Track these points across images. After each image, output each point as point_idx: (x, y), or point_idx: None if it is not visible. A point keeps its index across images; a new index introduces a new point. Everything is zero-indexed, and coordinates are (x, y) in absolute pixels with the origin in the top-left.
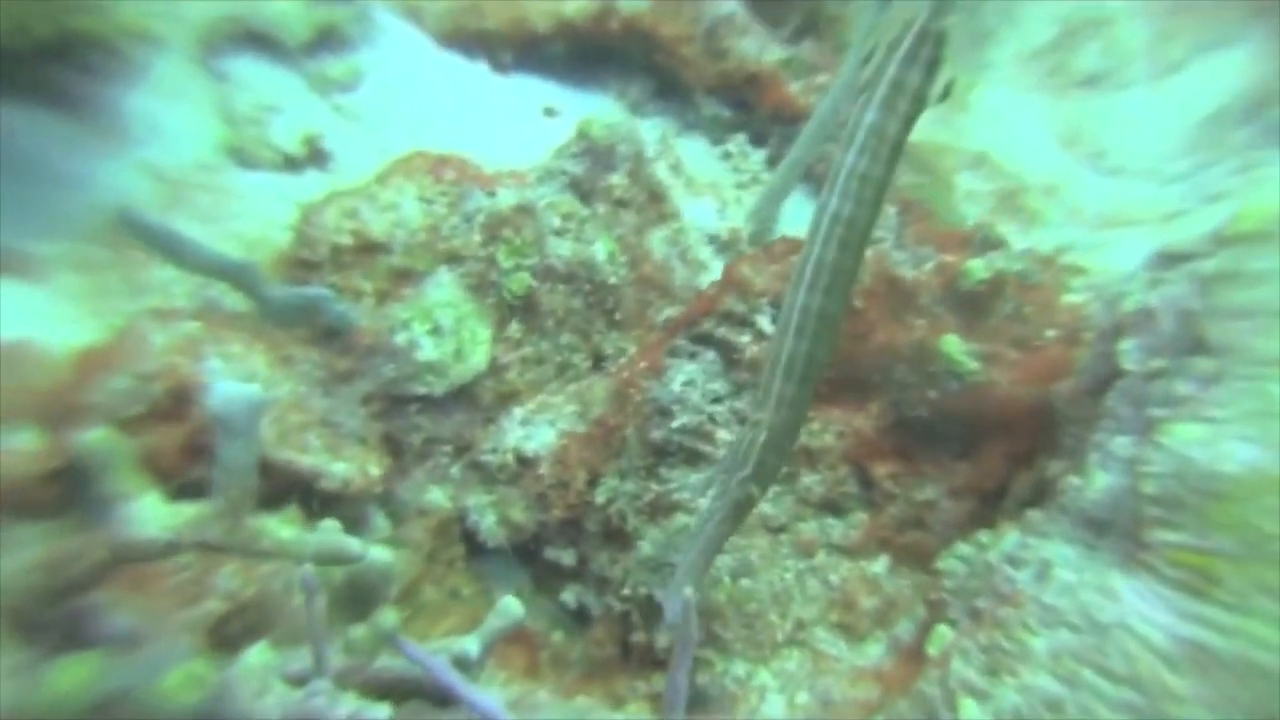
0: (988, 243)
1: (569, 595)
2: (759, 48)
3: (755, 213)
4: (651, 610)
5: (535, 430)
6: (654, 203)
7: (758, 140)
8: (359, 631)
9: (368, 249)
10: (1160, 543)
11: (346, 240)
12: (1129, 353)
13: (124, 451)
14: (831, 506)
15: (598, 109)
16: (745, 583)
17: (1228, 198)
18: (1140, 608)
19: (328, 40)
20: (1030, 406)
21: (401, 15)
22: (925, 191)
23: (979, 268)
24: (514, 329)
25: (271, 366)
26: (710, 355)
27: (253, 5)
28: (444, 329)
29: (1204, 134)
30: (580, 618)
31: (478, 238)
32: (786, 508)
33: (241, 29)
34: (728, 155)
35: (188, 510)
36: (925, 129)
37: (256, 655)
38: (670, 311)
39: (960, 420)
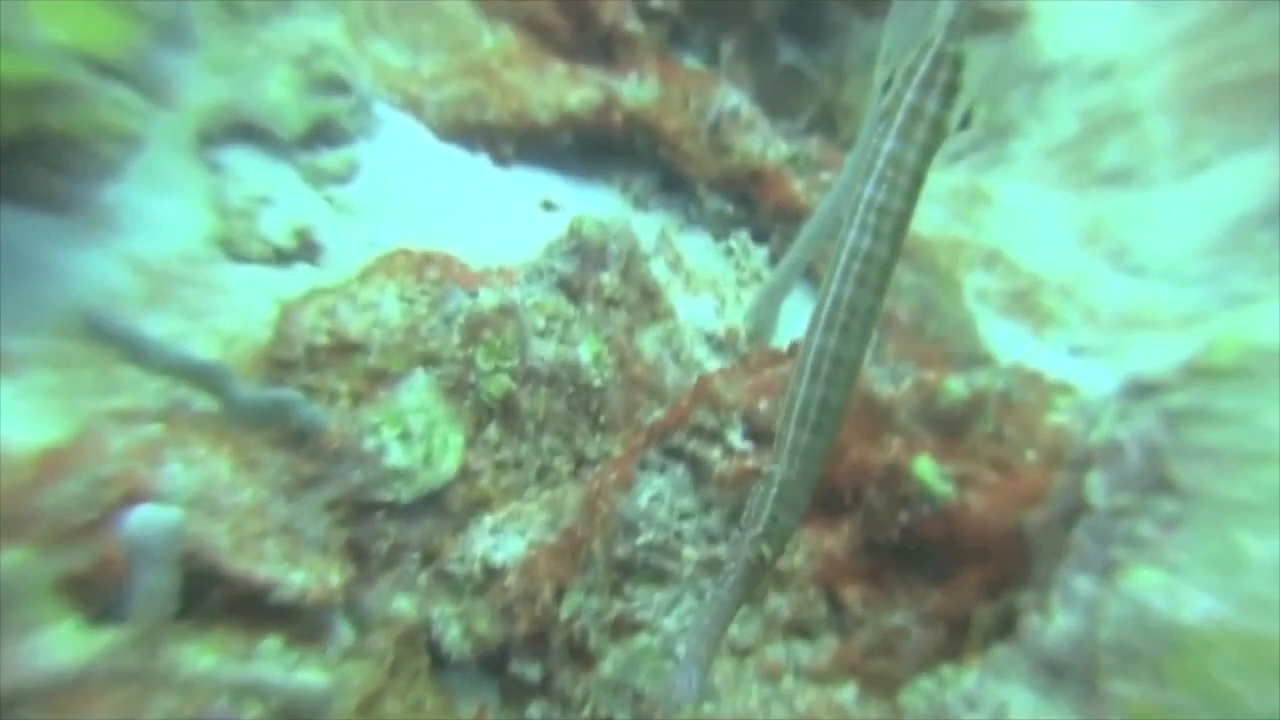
0: (970, 358)
1: (535, 711)
2: (763, 144)
3: (753, 312)
4: None
5: (504, 539)
6: (647, 301)
7: (760, 237)
8: None
9: (344, 349)
10: (1115, 695)
11: (323, 340)
12: (1096, 487)
13: (40, 575)
14: (800, 629)
15: (600, 202)
16: (709, 707)
17: (1250, 301)
18: None
19: (323, 132)
20: (1004, 533)
21: (400, 107)
22: (930, 291)
23: (957, 386)
24: (491, 432)
25: (235, 470)
26: (679, 470)
27: (248, 95)
28: (414, 434)
29: (1228, 235)
30: None
31: (456, 339)
32: (754, 630)
33: (235, 119)
34: (730, 252)
35: (102, 638)
36: (941, 222)
37: None
38: (660, 414)
39: (932, 545)
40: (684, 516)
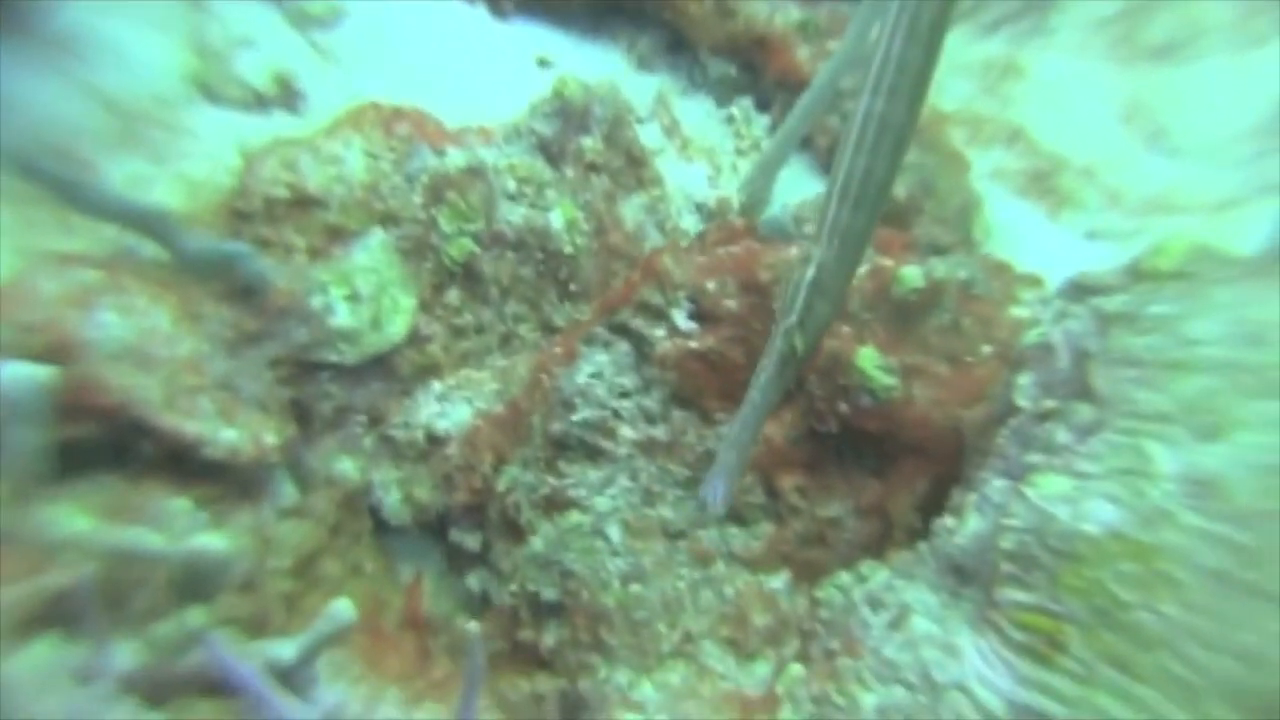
0: (933, 247)
1: (474, 580)
2: (770, 9)
3: (748, 183)
4: (539, 608)
5: (451, 407)
6: (632, 167)
7: (764, 105)
8: (164, 628)
9: (303, 203)
10: (1010, 602)
11: (282, 193)
12: (1024, 388)
13: None
14: (734, 515)
15: (602, 60)
16: (636, 588)
17: None
18: (981, 669)
19: None
20: (944, 430)
21: None
22: (932, 170)
23: (913, 275)
24: (452, 296)
25: (176, 323)
26: (623, 347)
27: None
28: (362, 295)
29: (1275, 118)
30: (486, 603)
31: (419, 199)
32: (687, 513)
33: None
34: (731, 119)
35: None
36: (967, 96)
37: (42, 649)
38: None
39: (872, 437)
40: (623, 395)
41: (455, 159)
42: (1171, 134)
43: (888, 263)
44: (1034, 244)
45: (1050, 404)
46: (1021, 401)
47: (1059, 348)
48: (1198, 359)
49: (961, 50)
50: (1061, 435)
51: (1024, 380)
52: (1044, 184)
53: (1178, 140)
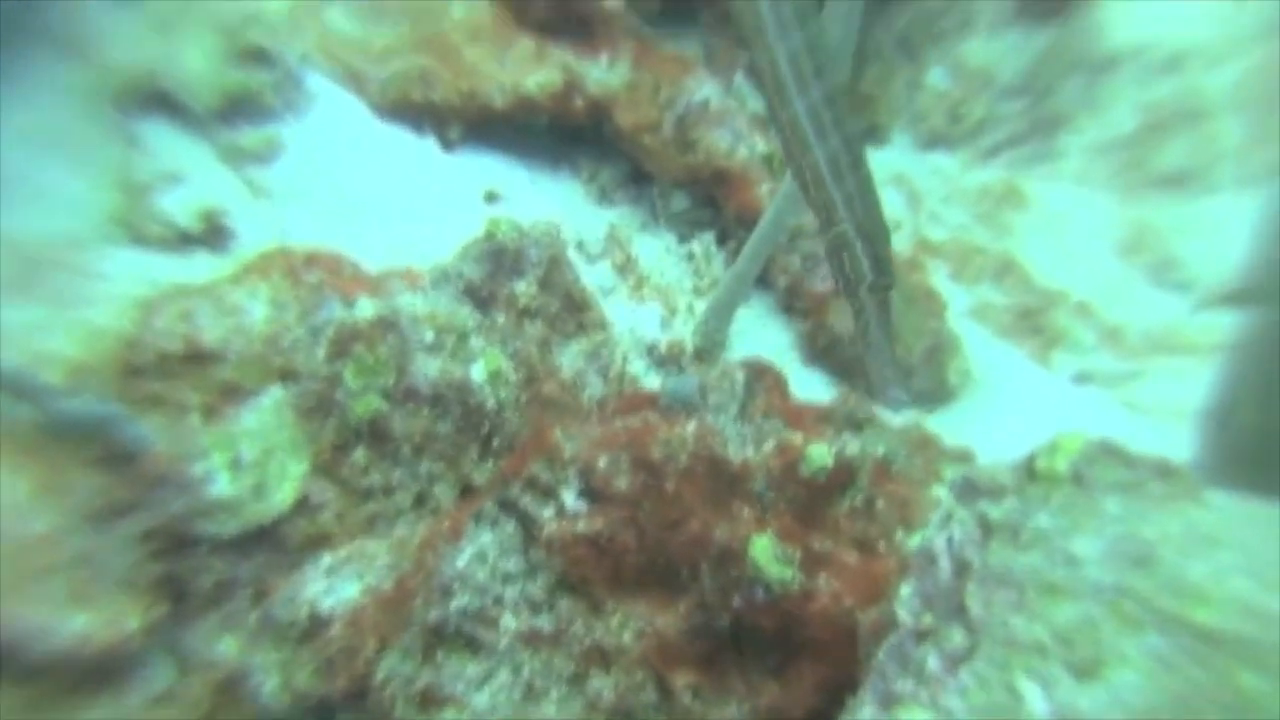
0: (850, 420)
1: None
2: (733, 140)
3: (702, 325)
4: None
5: (339, 583)
6: (571, 312)
7: (724, 241)
8: None
9: (198, 358)
10: None
11: (176, 346)
12: (905, 599)
13: None
14: (624, 715)
15: (559, 193)
16: None
17: None
18: None
19: (244, 107)
20: (843, 630)
21: (341, 82)
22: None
23: (821, 454)
24: (358, 456)
25: (35, 495)
26: (510, 526)
27: (169, 62)
28: (244, 461)
29: None
30: None
31: (322, 353)
32: (575, 712)
33: (155, 88)
34: (691, 255)
35: None
36: (959, 224)
37: None
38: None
39: (767, 635)
40: (507, 580)
41: (365, 310)
42: (1179, 267)
43: (796, 439)
44: (1016, 389)
45: (928, 620)
46: (902, 614)
47: (940, 556)
48: (1078, 582)
49: (959, 176)
50: (933, 662)
51: (906, 590)
52: (1033, 321)
53: (1185, 274)
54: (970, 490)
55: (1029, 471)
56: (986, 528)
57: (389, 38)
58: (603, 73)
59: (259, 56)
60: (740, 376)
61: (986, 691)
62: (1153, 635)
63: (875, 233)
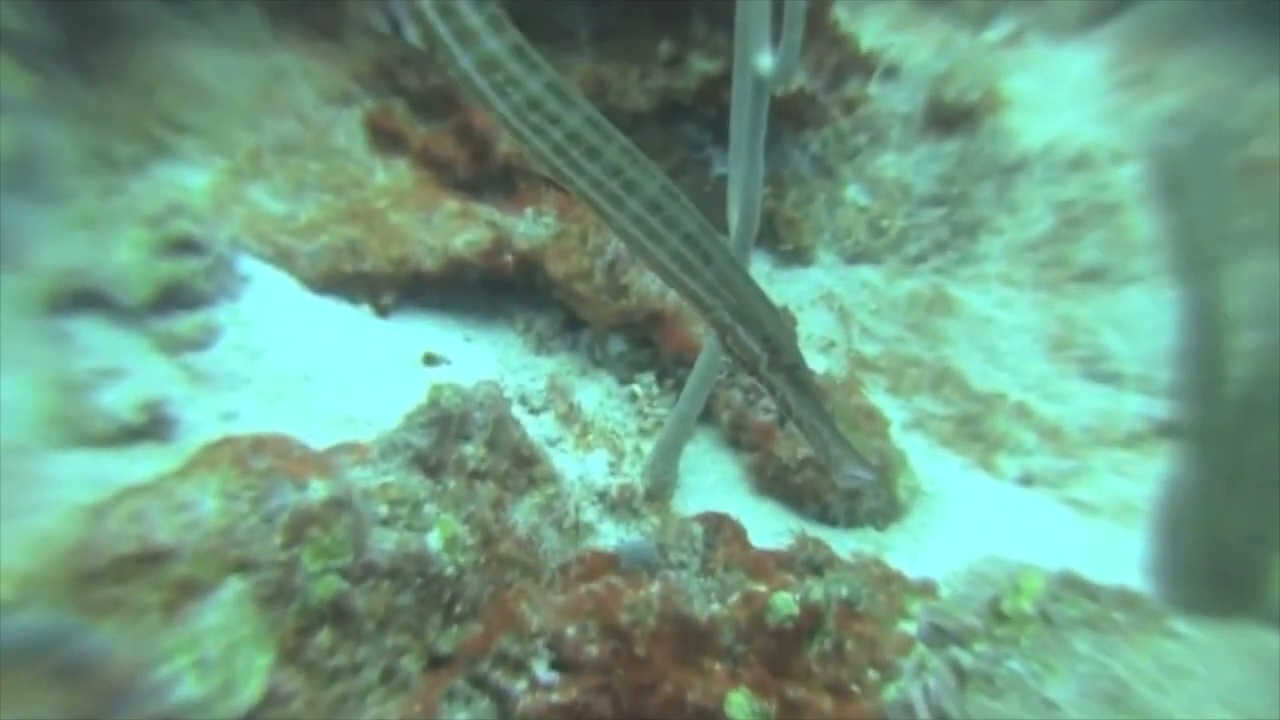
0: (811, 564)
1: None
2: (662, 284)
3: (650, 467)
4: None
5: None
6: (521, 468)
7: (664, 381)
8: None
9: (153, 558)
10: None
11: (130, 547)
12: None
13: None
14: None
15: (496, 346)
16: None
17: None
18: None
19: (177, 296)
20: None
21: (271, 260)
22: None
23: (786, 602)
24: (322, 638)
25: None
26: (485, 703)
27: (96, 259)
28: (210, 660)
29: None
30: None
31: (278, 540)
32: None
33: (84, 285)
34: (634, 397)
35: None
36: (893, 337)
37: None
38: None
39: None
40: None
41: (318, 491)
42: (1106, 359)
43: (760, 588)
44: (964, 499)
45: None
46: None
47: (917, 707)
48: None
49: (886, 288)
50: None
51: None
52: (973, 428)
53: (1113, 365)
54: (939, 635)
55: (996, 613)
56: (960, 675)
57: (314, 212)
58: (529, 226)
59: (187, 244)
60: (698, 530)
61: None
62: None
63: (754, 313)
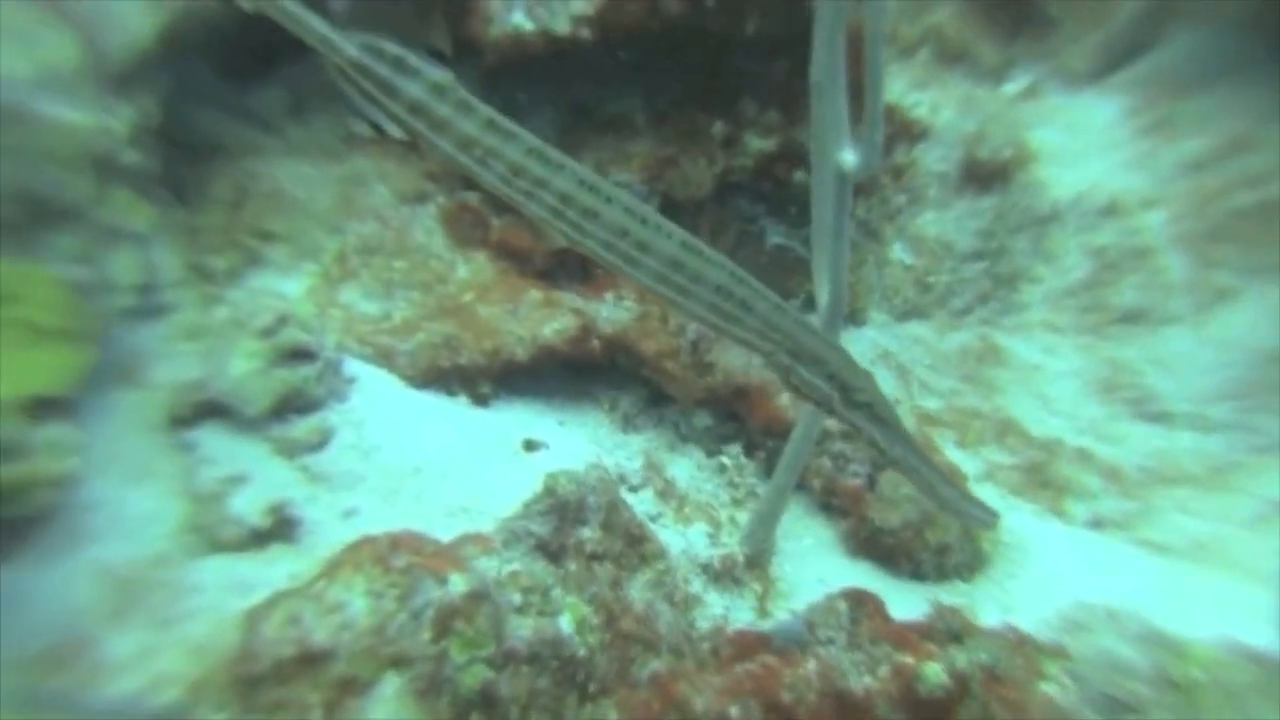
0: (950, 632)
1: None
2: (745, 358)
3: (749, 536)
4: None
5: None
6: (633, 547)
7: (751, 451)
8: None
9: (311, 659)
10: None
11: (290, 651)
12: None
13: None
14: None
15: (587, 427)
16: None
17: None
18: None
19: (292, 402)
20: None
21: (372, 360)
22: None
23: (936, 672)
24: None
25: None
26: None
27: (213, 371)
28: None
29: (1251, 373)
30: None
31: (427, 635)
32: None
33: (204, 398)
34: (723, 469)
35: None
36: (950, 390)
37: None
38: (656, 664)
39: None
40: None
41: (458, 585)
42: (1155, 399)
43: (909, 660)
44: (1044, 546)
45: None
46: None
47: None
48: None
49: (937, 342)
50: None
51: None
52: (1041, 476)
53: (1162, 405)
54: (1115, 707)
55: (1166, 680)
56: None
57: (407, 310)
58: (611, 310)
59: (300, 353)
60: (843, 607)
61: None
62: None
63: (814, 352)
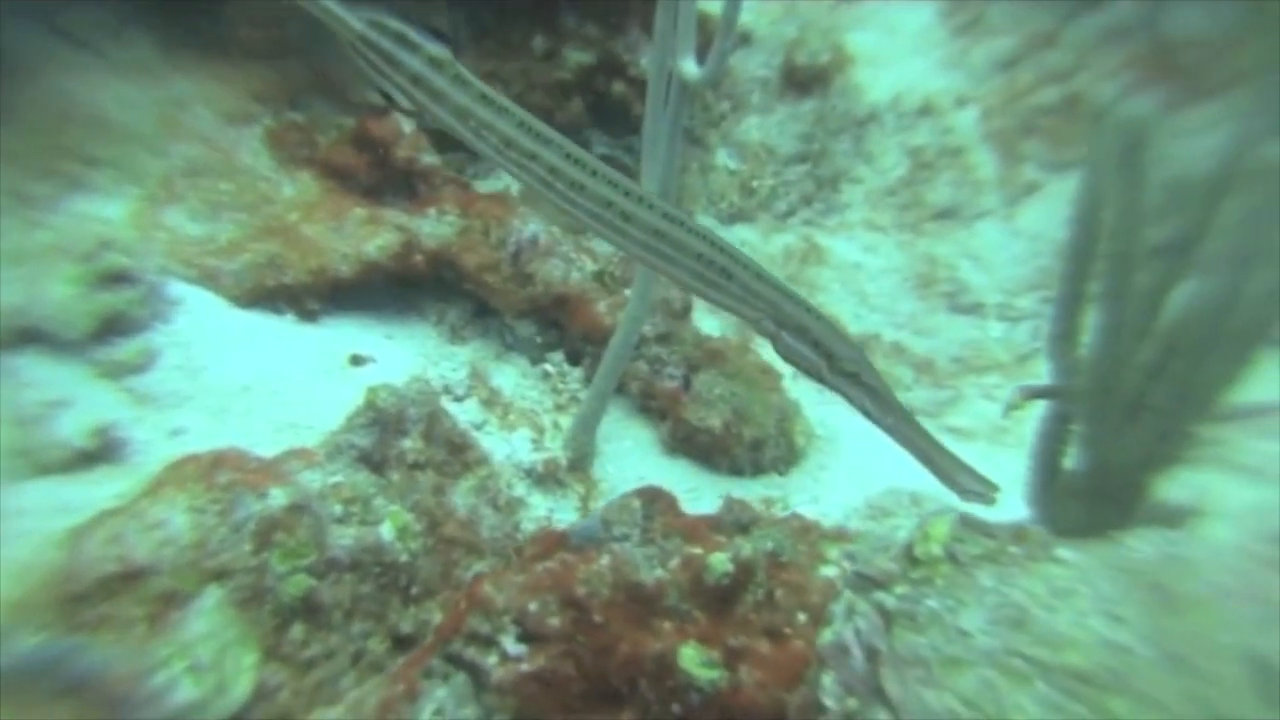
0: (738, 524)
1: None
2: (565, 267)
3: (571, 440)
4: None
5: None
6: (455, 455)
7: (574, 358)
8: None
9: (134, 575)
10: None
11: (113, 568)
12: (828, 688)
13: None
14: None
15: (415, 340)
16: None
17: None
18: None
19: (115, 325)
20: (773, 714)
21: (197, 282)
22: (742, 397)
23: (721, 562)
24: (296, 632)
25: None
26: (461, 678)
27: (34, 297)
28: (203, 663)
29: (1056, 263)
30: None
31: (248, 547)
32: None
33: (25, 323)
34: (547, 376)
35: None
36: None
37: None
38: (479, 566)
39: None
40: None
41: (278, 499)
42: (968, 291)
43: (697, 550)
44: (854, 438)
45: (853, 704)
46: (828, 701)
47: (852, 647)
48: (972, 652)
49: (762, 244)
50: None
51: (827, 680)
52: None
53: (975, 296)
54: (864, 582)
55: (910, 558)
56: (886, 616)
57: (232, 231)
58: (434, 225)
59: (120, 276)
60: (637, 504)
61: None
62: (1040, 684)
63: (797, 320)
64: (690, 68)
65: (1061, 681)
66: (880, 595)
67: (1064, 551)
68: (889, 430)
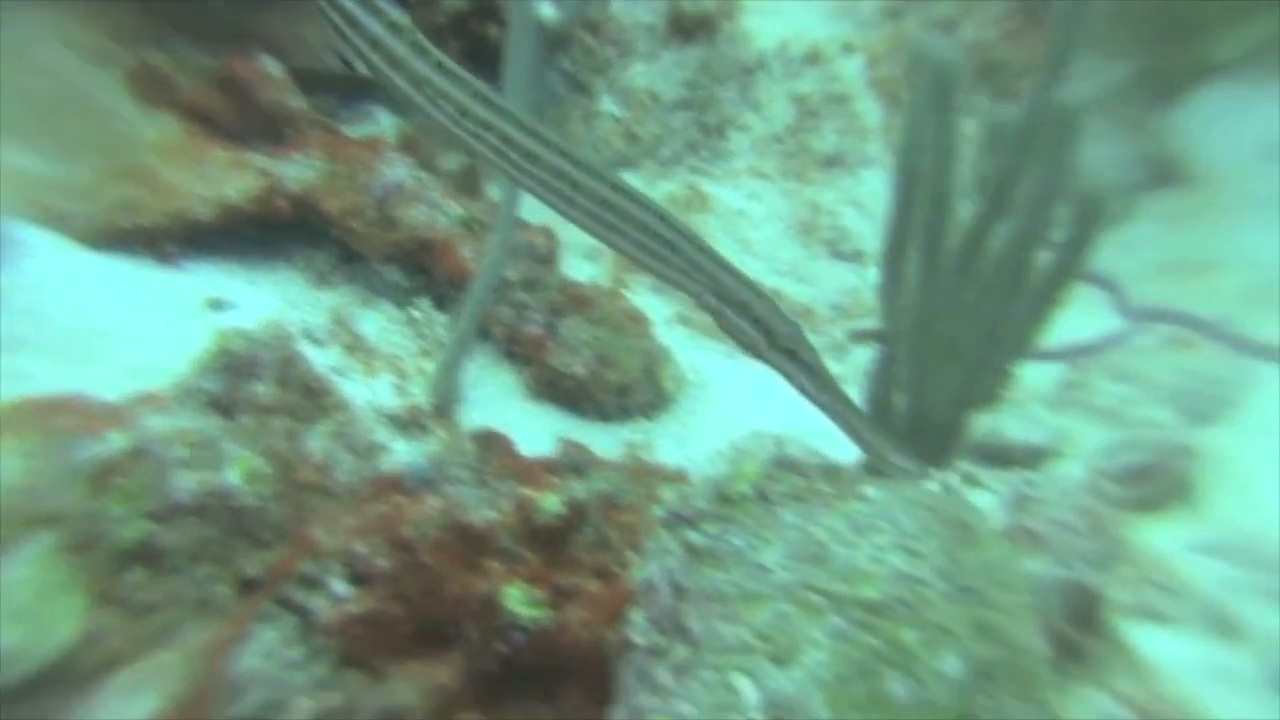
0: (573, 466)
1: None
2: (431, 212)
3: (435, 385)
4: None
5: (137, 698)
6: (311, 399)
7: (441, 304)
8: None
9: None
10: None
11: None
12: (637, 624)
13: None
14: None
15: (279, 285)
16: None
17: None
18: None
19: None
20: (596, 650)
21: (46, 225)
22: (606, 341)
23: (553, 503)
24: (135, 575)
25: None
26: (291, 620)
27: None
28: (22, 609)
29: None
30: None
31: (83, 491)
32: None
33: None
34: (412, 321)
35: None
36: None
37: None
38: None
39: (534, 668)
40: (294, 668)
41: (116, 442)
42: (850, 238)
43: (530, 492)
44: (725, 384)
45: (660, 639)
46: (636, 637)
47: (660, 584)
48: (769, 587)
49: (646, 191)
50: (664, 676)
51: (637, 616)
52: None
53: (856, 244)
54: (676, 520)
55: (720, 497)
56: (694, 553)
57: (88, 172)
58: (299, 169)
59: None
60: (471, 446)
61: (710, 693)
62: (833, 617)
63: (737, 296)
64: (548, 10)
65: (854, 614)
66: (690, 533)
67: (869, 489)
68: (823, 407)
